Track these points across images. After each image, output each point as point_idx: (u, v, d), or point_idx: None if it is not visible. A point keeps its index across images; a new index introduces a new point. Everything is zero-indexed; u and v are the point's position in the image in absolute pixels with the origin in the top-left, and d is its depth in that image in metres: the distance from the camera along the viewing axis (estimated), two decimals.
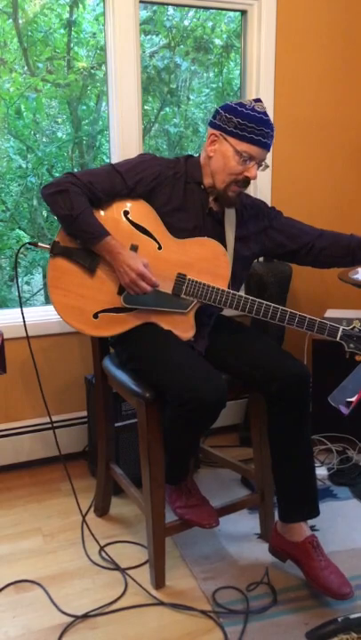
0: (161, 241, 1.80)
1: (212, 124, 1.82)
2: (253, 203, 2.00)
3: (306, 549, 1.77)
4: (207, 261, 1.80)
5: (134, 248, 1.78)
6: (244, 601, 1.74)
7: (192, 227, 1.83)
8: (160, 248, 1.80)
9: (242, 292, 1.80)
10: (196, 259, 1.79)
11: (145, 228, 1.80)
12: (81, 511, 2.06)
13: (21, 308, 1.93)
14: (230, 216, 1.90)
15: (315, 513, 1.83)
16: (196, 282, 1.76)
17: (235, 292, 1.76)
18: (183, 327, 1.78)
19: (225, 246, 1.84)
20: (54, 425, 2.56)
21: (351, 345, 1.71)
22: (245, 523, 2.11)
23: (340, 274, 2.38)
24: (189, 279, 1.77)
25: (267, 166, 1.85)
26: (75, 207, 1.71)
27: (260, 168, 1.83)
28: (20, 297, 1.93)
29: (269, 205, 2.05)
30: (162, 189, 1.82)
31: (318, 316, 2.72)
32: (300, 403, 1.75)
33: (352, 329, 1.72)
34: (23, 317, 1.93)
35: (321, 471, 2.47)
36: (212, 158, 1.82)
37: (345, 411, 1.32)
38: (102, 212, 1.80)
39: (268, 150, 1.80)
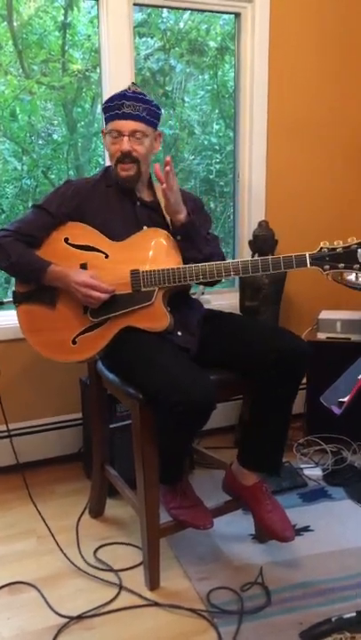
0: (106, 250, 1.85)
1: None
2: (194, 200, 2.05)
3: (254, 493, 1.86)
4: (154, 249, 1.83)
5: (84, 266, 1.84)
6: (239, 601, 1.75)
7: (129, 225, 1.87)
8: (107, 257, 1.84)
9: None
10: (143, 252, 1.83)
11: (87, 245, 1.86)
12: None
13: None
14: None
15: (275, 472, 1.90)
16: (150, 271, 1.79)
17: (189, 265, 1.78)
18: (156, 317, 1.80)
19: (169, 230, 1.87)
20: (49, 427, 2.58)
21: (326, 266, 1.72)
22: (240, 523, 2.11)
23: (334, 276, 2.39)
24: (143, 271, 1.79)
25: (154, 132, 1.89)
26: (11, 255, 1.82)
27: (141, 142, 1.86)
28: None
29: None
30: (87, 204, 1.89)
31: (313, 317, 2.75)
32: (296, 376, 1.78)
33: (320, 251, 1.72)
34: None
35: (316, 472, 2.48)
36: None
37: (337, 411, 1.32)
38: (46, 248, 1.88)
39: (135, 119, 1.83)
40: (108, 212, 1.89)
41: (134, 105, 1.82)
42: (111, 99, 1.85)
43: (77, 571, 1.90)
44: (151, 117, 1.87)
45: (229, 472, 1.95)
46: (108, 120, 1.87)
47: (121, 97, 1.83)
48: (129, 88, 1.86)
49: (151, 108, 1.86)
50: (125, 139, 1.83)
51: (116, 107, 1.82)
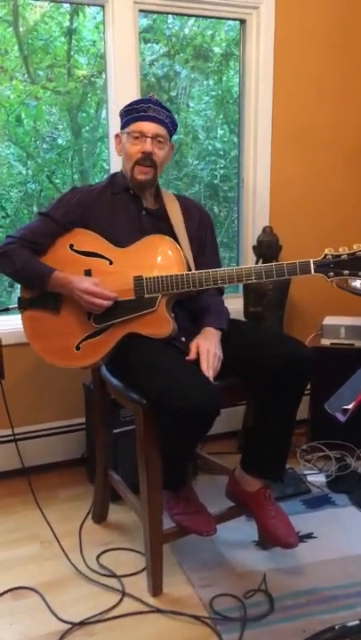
0: (110, 256, 1.85)
1: None
2: (201, 210, 2.06)
3: (258, 500, 1.86)
4: (158, 256, 1.83)
5: (88, 273, 1.84)
6: (242, 608, 1.74)
7: (133, 232, 1.87)
8: (111, 263, 1.85)
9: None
10: (147, 259, 1.83)
11: (92, 252, 1.86)
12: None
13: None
14: (172, 206, 1.95)
15: (279, 478, 1.89)
16: (153, 277, 1.79)
17: (192, 272, 1.78)
18: (159, 324, 1.79)
19: (174, 237, 1.87)
20: (53, 431, 2.58)
21: (331, 273, 1.70)
22: (243, 530, 2.10)
23: (339, 282, 2.39)
24: (146, 278, 1.79)
25: (169, 142, 1.92)
26: (16, 261, 1.83)
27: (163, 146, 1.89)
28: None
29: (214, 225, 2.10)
30: (92, 211, 1.90)
31: (317, 322, 2.74)
32: (300, 382, 1.78)
33: (324, 257, 1.70)
34: None
35: (319, 478, 2.47)
36: (122, 157, 1.93)
37: (342, 418, 1.32)
38: (51, 255, 1.89)
39: (159, 123, 1.86)
40: (112, 219, 1.90)
41: (159, 110, 1.86)
42: (136, 102, 1.88)
43: (80, 576, 1.90)
44: (172, 126, 1.92)
45: (233, 478, 1.95)
46: (130, 122, 1.88)
47: (147, 101, 1.87)
48: (153, 95, 1.90)
49: (172, 117, 1.91)
50: (149, 140, 1.84)
51: (142, 109, 1.85)
